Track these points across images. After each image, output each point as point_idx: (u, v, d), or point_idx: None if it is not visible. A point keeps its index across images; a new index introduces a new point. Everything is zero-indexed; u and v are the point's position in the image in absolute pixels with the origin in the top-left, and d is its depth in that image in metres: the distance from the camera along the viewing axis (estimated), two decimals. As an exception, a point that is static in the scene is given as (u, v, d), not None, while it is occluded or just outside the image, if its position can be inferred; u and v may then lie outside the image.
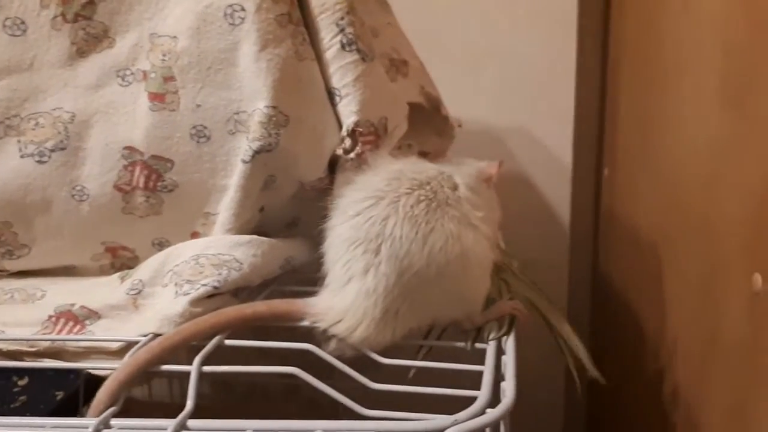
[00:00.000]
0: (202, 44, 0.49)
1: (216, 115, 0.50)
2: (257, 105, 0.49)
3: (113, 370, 0.42)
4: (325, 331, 0.45)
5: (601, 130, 1.02)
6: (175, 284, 0.48)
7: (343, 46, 0.51)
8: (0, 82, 0.52)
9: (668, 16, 0.72)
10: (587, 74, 0.98)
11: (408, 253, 0.43)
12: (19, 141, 0.52)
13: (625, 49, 0.90)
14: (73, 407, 0.43)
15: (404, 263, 0.43)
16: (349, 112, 0.51)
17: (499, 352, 0.46)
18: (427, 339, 0.48)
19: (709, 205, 0.60)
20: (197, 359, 0.42)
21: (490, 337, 0.46)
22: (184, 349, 0.44)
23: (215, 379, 0.75)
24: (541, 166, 0.99)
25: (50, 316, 0.50)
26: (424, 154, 0.63)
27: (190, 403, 0.39)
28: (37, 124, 0.52)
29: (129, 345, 0.46)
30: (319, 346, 0.45)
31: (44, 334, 0.49)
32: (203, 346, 0.43)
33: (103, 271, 0.57)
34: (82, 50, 0.52)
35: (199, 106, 0.50)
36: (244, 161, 0.49)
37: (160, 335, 0.45)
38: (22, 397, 0.43)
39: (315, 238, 0.48)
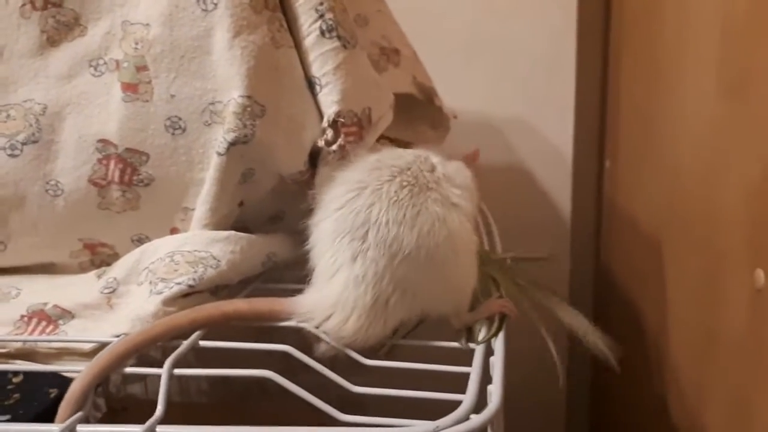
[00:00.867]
0: (175, 32, 0.47)
1: (191, 106, 0.48)
2: (232, 95, 0.47)
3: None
4: (313, 331, 0.44)
5: (602, 121, 1.00)
6: (150, 282, 0.47)
7: (322, 33, 0.49)
8: (-31, 73, 0.50)
9: (669, 3, 0.70)
10: (588, 63, 0.96)
11: (396, 237, 0.41)
12: (-10, 134, 0.50)
13: (626, 37, 0.88)
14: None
15: (393, 247, 0.41)
16: (330, 102, 0.49)
17: (488, 352, 0.44)
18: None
19: (710, 198, 0.58)
20: (168, 362, 0.40)
21: (480, 338, 0.44)
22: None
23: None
24: (541, 157, 0.97)
25: (22, 316, 0.48)
26: (405, 145, 0.60)
27: (160, 408, 0.37)
28: (8, 116, 0.50)
29: (102, 346, 0.44)
30: (301, 347, 0.43)
31: (16, 334, 0.47)
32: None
33: (82, 269, 0.55)
34: (52, 39, 0.50)
35: (173, 96, 0.48)
36: (219, 154, 0.47)
37: (132, 336, 0.43)
38: (16, 395, 0.41)
39: (300, 233, 0.46)
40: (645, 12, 0.79)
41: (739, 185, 0.52)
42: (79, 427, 0.36)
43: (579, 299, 1.01)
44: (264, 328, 0.46)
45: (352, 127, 0.49)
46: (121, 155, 0.50)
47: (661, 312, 0.70)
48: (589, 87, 0.98)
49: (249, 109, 0.46)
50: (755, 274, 0.49)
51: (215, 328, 0.46)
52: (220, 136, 0.47)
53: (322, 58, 0.49)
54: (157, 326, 0.43)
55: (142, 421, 0.35)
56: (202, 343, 0.43)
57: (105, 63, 0.50)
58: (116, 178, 0.50)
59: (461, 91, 0.93)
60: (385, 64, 0.66)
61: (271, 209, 0.54)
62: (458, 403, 0.36)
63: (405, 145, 0.63)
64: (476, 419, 0.35)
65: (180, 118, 0.48)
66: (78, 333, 0.46)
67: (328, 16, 0.49)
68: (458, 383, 0.39)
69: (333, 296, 0.43)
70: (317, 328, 0.44)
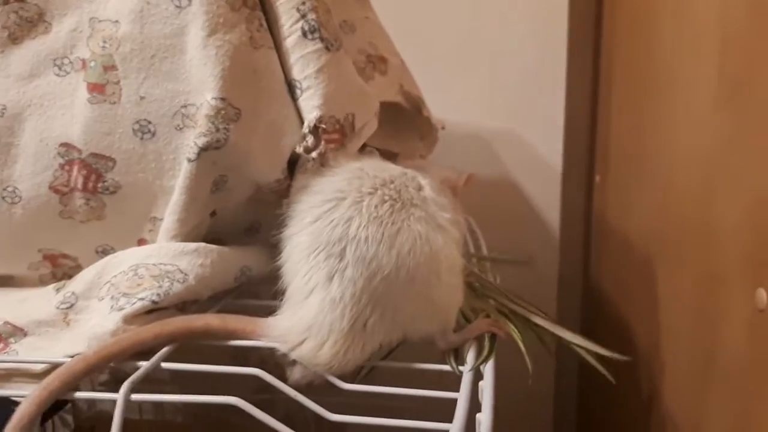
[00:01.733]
0: (146, 29, 0.44)
1: (161, 109, 0.45)
2: (205, 97, 0.44)
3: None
4: (287, 355, 0.41)
5: (592, 136, 0.98)
6: (111, 297, 0.43)
7: (304, 34, 0.46)
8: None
9: (662, 13, 0.68)
10: (578, 76, 0.95)
11: (375, 256, 0.39)
12: (-55, 136, 0.46)
13: (618, 48, 0.87)
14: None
15: (372, 266, 0.39)
16: (311, 107, 0.46)
17: (476, 377, 0.41)
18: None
19: (706, 213, 0.56)
20: (125, 386, 0.36)
21: (467, 360, 0.41)
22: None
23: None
24: (530, 171, 0.96)
25: (-29, 333, 0.44)
26: (391, 156, 0.58)
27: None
28: (-36, 117, 0.46)
29: (54, 367, 0.40)
30: (272, 371, 0.40)
31: (-36, 352, 0.43)
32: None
33: (43, 282, 0.51)
34: (14, 36, 0.47)
35: (142, 98, 0.45)
36: (189, 160, 0.44)
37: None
38: None
39: (277, 246, 0.43)
40: (637, 23, 0.78)
41: (739, 199, 0.50)
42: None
43: (567, 316, 0.99)
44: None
45: (334, 134, 0.46)
46: (85, 160, 0.46)
47: (653, 334, 0.68)
48: (579, 99, 0.97)
49: (223, 112, 0.43)
50: (756, 294, 0.46)
51: (184, 344, 0.43)
52: (191, 140, 0.44)
53: (303, 61, 0.46)
54: (117, 343, 0.40)
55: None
56: (165, 365, 0.40)
57: (70, 62, 0.46)
58: (79, 185, 0.47)
59: (450, 102, 0.91)
60: (371, 72, 0.64)
61: (247, 220, 0.51)
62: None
63: (391, 155, 0.61)
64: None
65: (149, 122, 0.45)
66: (29, 353, 0.43)
67: (311, 16, 0.46)
68: (445, 409, 0.37)
69: (307, 319, 0.40)
70: (291, 353, 0.41)
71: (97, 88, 0.45)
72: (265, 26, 0.46)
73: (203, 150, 0.43)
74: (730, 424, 0.51)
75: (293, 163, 0.47)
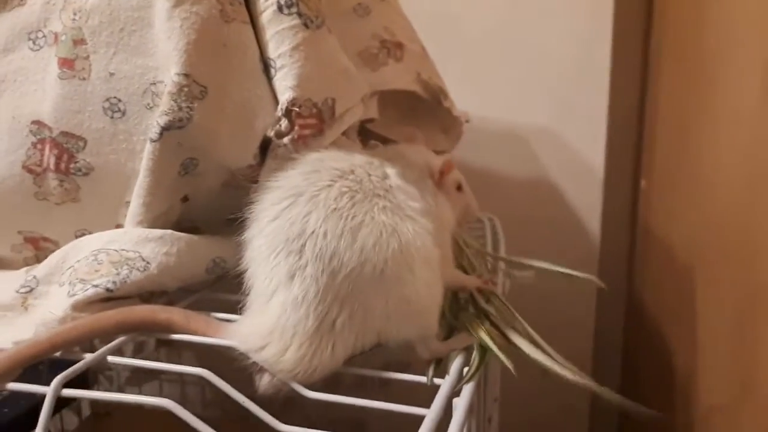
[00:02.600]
0: (114, 1, 0.42)
1: (131, 86, 0.42)
2: (170, 73, 0.41)
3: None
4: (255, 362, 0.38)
5: (639, 136, 0.90)
6: (70, 283, 0.41)
7: (280, 8, 0.42)
8: None
9: (710, 9, 0.61)
10: (624, 72, 0.88)
11: (336, 252, 0.36)
12: None
13: (668, 43, 0.79)
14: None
15: (334, 262, 0.36)
16: (284, 88, 0.42)
17: (452, 393, 0.36)
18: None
19: (749, 224, 0.49)
20: (56, 380, 0.33)
21: (448, 378, 0.36)
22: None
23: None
24: (569, 173, 0.89)
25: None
26: (385, 140, 0.53)
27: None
28: (-60, 93, 0.45)
29: None
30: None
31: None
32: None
33: (28, 265, 0.50)
34: (-9, 9, 0.45)
35: (112, 74, 0.42)
36: (151, 140, 0.41)
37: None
38: None
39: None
40: (687, 19, 0.70)
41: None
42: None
43: (606, 333, 0.91)
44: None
45: (310, 119, 0.42)
46: (56, 139, 0.44)
47: (691, 352, 0.62)
48: (625, 97, 0.89)
49: (186, 89, 0.40)
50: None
51: (146, 334, 0.40)
52: (154, 119, 0.41)
53: (278, 37, 0.42)
54: (75, 328, 0.38)
55: (126, 428, 0.30)
56: (111, 359, 0.37)
57: (44, 36, 0.45)
58: (52, 166, 0.45)
59: (485, 97, 0.86)
60: (385, 58, 0.60)
61: (227, 209, 0.48)
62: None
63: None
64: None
65: (119, 100, 0.43)
66: (-16, 337, 0.41)
67: (289, -12, 0.42)
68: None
69: (269, 323, 0.37)
70: (254, 357, 0.37)
71: (66, 63, 0.43)
72: (240, -1, 0.43)
73: (165, 129, 0.40)
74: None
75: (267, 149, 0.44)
